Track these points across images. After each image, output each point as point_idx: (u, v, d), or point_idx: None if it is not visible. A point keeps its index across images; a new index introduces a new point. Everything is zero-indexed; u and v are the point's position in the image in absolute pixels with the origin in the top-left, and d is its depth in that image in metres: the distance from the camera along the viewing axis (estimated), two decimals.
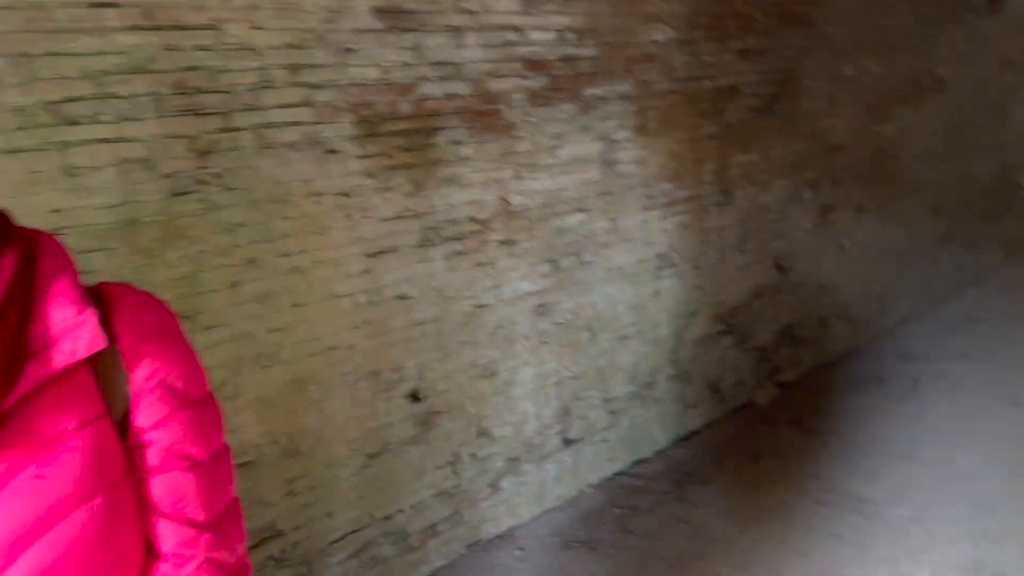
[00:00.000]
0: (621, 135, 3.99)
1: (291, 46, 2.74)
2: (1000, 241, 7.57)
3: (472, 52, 3.30)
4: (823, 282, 5.49)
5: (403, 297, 3.19)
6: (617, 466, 4.26)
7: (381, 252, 3.09)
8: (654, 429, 4.47)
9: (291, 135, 2.77)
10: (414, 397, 3.28)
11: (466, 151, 3.33)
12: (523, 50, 3.48)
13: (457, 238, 3.36)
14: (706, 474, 4.22)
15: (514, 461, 3.74)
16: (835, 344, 5.71)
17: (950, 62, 6.30)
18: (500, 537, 3.69)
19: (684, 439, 4.63)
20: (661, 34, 4.08)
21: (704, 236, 4.55)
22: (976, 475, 3.99)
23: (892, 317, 6.26)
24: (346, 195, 2.95)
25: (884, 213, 5.93)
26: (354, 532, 3.14)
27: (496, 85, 3.42)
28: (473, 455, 3.56)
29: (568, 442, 3.99)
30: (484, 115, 3.38)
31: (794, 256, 5.21)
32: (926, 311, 6.55)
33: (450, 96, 3.25)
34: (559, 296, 3.83)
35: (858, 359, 5.67)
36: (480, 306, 3.49)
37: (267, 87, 2.69)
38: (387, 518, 3.25)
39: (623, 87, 3.95)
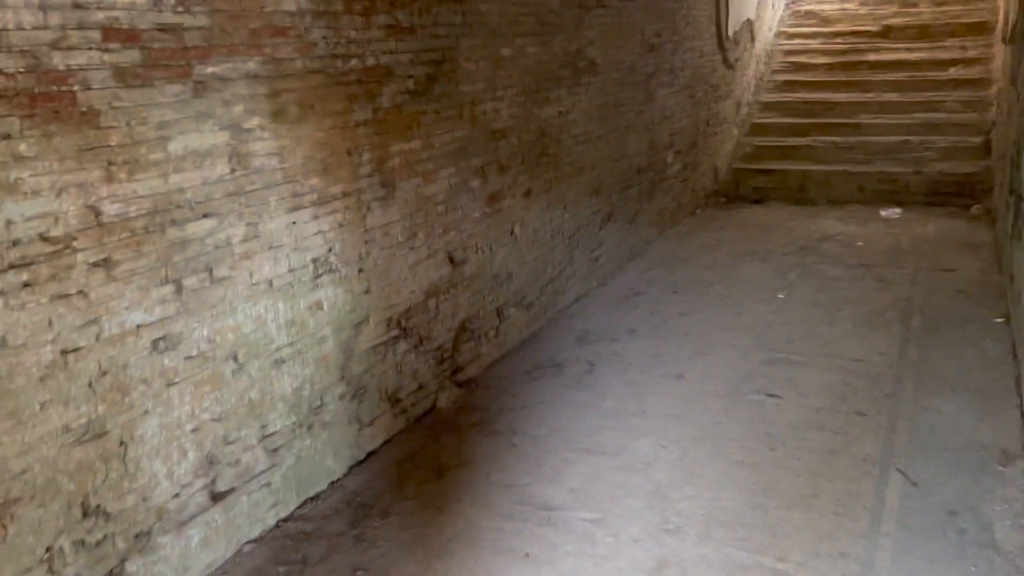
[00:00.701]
0: (253, 123, 3.33)
1: None
2: (653, 216, 8.09)
3: (19, 15, 2.45)
4: (497, 272, 5.31)
5: None
6: (284, 511, 3.65)
7: None
8: (327, 458, 3.93)
9: None
10: None
11: (23, 148, 2.48)
12: (100, 15, 2.68)
13: (21, 265, 2.50)
14: (387, 502, 3.78)
15: (143, 536, 2.98)
16: (514, 333, 5.59)
17: (600, 45, 6.46)
18: None
19: (363, 462, 4.15)
20: (292, 2, 3.48)
21: (367, 235, 4.06)
22: (651, 462, 4.01)
23: (566, 298, 6.34)
24: None
25: (551, 197, 5.92)
26: None
27: (64, 60, 2.59)
28: (79, 543, 2.74)
29: (217, 496, 3.30)
30: (48, 99, 2.54)
31: (467, 248, 4.94)
32: (595, 289, 6.74)
33: None
34: (188, 323, 3.11)
35: (537, 345, 5.61)
36: (69, 351, 2.66)
37: None
38: None
39: (250, 65, 3.29)
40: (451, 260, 4.79)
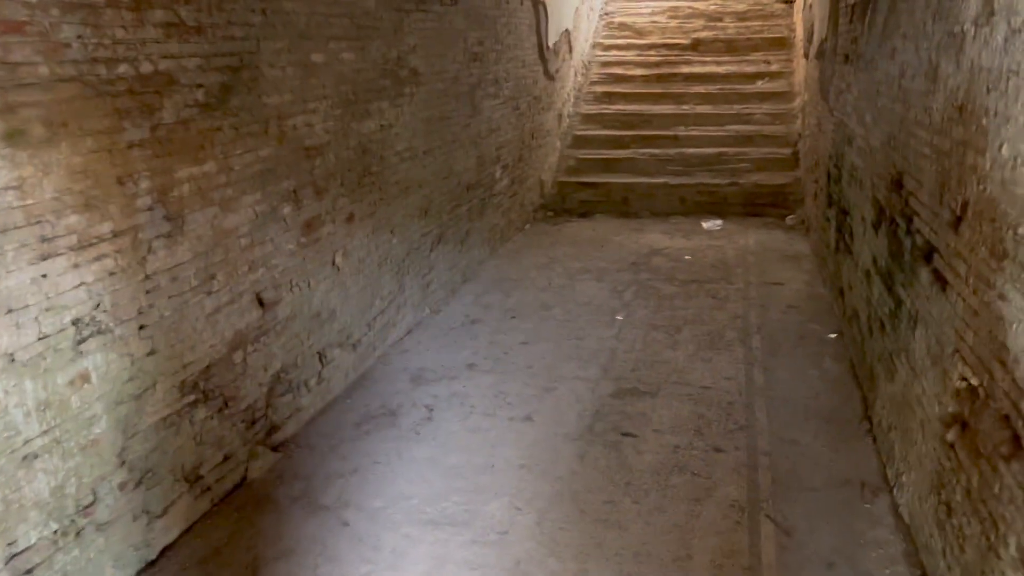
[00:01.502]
0: None
1: None
2: (484, 234, 7.66)
3: None
4: (318, 310, 4.62)
5: None
6: None
7: None
8: (105, 568, 3.10)
9: None
10: None
11: None
12: None
13: None
14: None
15: None
16: (340, 377, 4.92)
17: (423, 53, 5.92)
18: None
19: (155, 562, 3.34)
20: None
21: (149, 282, 3.26)
22: (507, 530, 3.51)
23: (398, 331, 5.73)
24: None
25: (377, 221, 5.29)
26: None
27: None
28: None
29: None
30: None
31: (279, 286, 4.22)
32: (429, 318, 6.18)
33: None
34: None
35: (368, 389, 4.96)
36: None
37: None
38: None
39: None
40: (260, 302, 4.05)
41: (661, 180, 9.70)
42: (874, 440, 4.14)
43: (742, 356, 5.32)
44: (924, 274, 3.35)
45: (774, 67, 11.06)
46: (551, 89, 9.78)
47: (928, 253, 3.33)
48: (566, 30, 10.28)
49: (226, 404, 3.81)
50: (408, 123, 5.73)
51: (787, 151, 9.75)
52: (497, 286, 6.98)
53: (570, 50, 10.63)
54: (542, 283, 7.03)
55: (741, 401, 4.67)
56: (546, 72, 9.48)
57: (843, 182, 5.99)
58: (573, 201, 9.87)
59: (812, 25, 8.87)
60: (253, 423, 4.07)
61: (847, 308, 5.47)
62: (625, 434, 4.32)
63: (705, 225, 8.96)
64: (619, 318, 6.11)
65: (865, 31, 5.09)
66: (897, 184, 3.96)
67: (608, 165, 10.06)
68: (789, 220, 8.86)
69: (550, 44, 9.52)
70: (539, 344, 5.63)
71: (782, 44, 11.43)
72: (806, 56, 9.51)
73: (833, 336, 5.57)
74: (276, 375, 4.22)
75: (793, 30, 11.56)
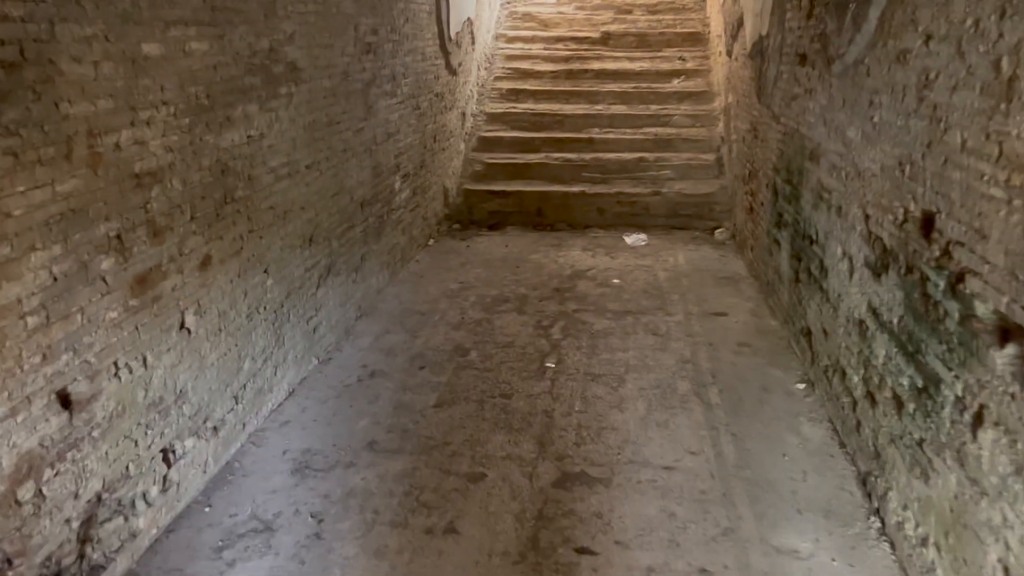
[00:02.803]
0: None
1: None
2: (383, 257, 6.50)
3: None
4: (159, 394, 3.39)
5: None
6: None
7: None
8: None
9: None
10: None
11: None
12: None
13: None
14: None
15: None
16: (193, 478, 3.70)
17: (304, 43, 4.71)
18: None
19: None
20: None
21: None
22: None
23: (276, 396, 4.53)
24: None
25: (246, 260, 4.08)
26: None
27: None
28: None
29: None
30: None
31: (96, 373, 2.97)
32: (317, 372, 4.99)
33: None
34: None
35: (233, 491, 3.76)
36: None
37: None
38: None
39: None
40: (65, 402, 2.80)
41: (577, 188, 8.76)
42: (893, 548, 3.29)
43: (703, 418, 4.41)
44: (999, 361, 2.47)
45: (690, 64, 10.32)
46: (454, 85, 8.68)
47: (1005, 332, 2.46)
48: (468, 19, 9.18)
49: (8, 564, 2.55)
50: (286, 131, 4.52)
51: (710, 157, 9.01)
52: (400, 322, 5.85)
53: (473, 41, 9.55)
54: (454, 317, 5.95)
55: (716, 490, 3.74)
56: (448, 66, 8.37)
57: (802, 202, 5.18)
58: (482, 211, 8.80)
59: (738, 20, 8.12)
60: (63, 563, 2.83)
61: (818, 355, 4.66)
62: (581, 550, 3.31)
63: (628, 240, 8.08)
64: (550, 365, 5.10)
65: (845, 28, 4.25)
66: (925, 226, 3.10)
67: (518, 171, 9.04)
68: (719, 235, 8.10)
69: (452, 34, 8.41)
70: (457, 406, 4.55)
71: (697, 40, 10.72)
72: (729, 54, 8.78)
73: (801, 387, 4.75)
74: (96, 498, 2.98)
75: (707, 25, 10.88)
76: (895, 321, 3.39)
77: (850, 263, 4.08)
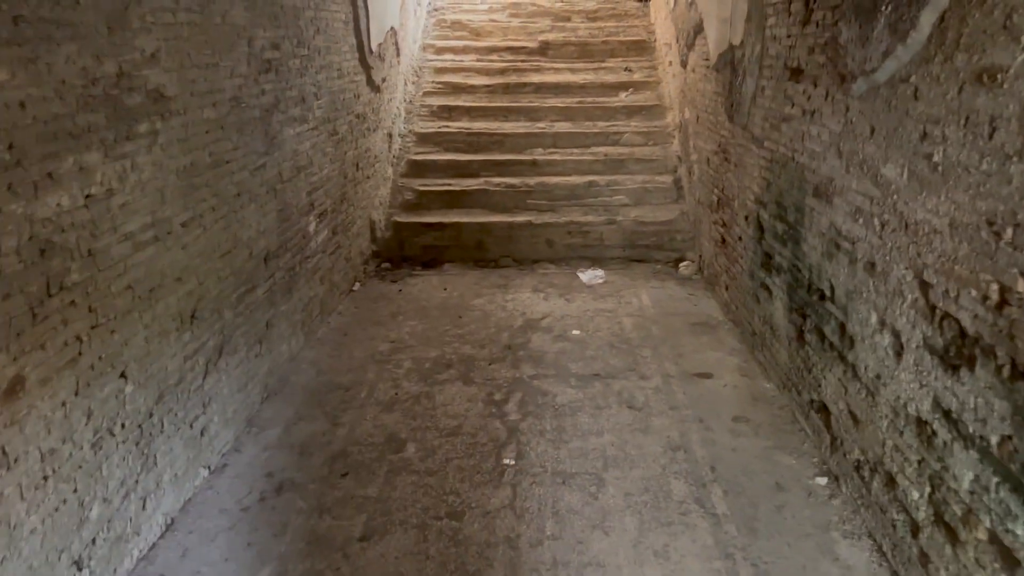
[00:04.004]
0: None
1: None
2: (297, 316, 5.37)
3: None
4: None
5: None
6: None
7: None
8: None
9: None
10: None
11: None
12: None
13: None
14: None
15: None
16: None
17: (173, 62, 3.58)
18: None
19: None
20: None
21: None
22: None
23: (145, 539, 3.37)
24: None
25: (84, 370, 2.92)
26: None
27: None
28: None
29: None
30: None
31: None
32: (204, 490, 3.84)
33: None
34: None
35: None
36: None
37: None
38: None
39: None
40: None
41: (523, 218, 7.75)
42: None
43: (711, 538, 3.43)
44: None
45: (637, 76, 9.46)
46: (378, 103, 7.58)
47: None
48: (392, 29, 8.10)
49: None
50: (149, 182, 3.38)
51: (667, 179, 8.12)
52: (318, 401, 4.73)
53: (398, 53, 8.47)
54: (385, 392, 4.86)
55: None
56: (370, 82, 7.27)
57: (804, 246, 4.28)
58: (415, 247, 7.71)
59: (695, 26, 7.26)
60: None
61: (842, 442, 3.74)
62: None
63: (583, 277, 7.12)
64: (508, 462, 4.07)
65: (876, 37, 3.34)
66: None
67: (455, 199, 7.99)
68: (684, 269, 7.20)
69: (374, 47, 7.32)
70: (391, 537, 3.47)
71: (643, 49, 9.87)
72: (683, 64, 7.92)
73: (823, 483, 3.83)
74: None
75: (652, 32, 10.05)
76: (993, 441, 2.47)
77: (896, 340, 3.17)
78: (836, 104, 3.83)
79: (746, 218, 5.53)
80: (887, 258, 3.26)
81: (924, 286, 2.94)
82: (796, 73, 4.46)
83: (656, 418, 4.50)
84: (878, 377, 3.34)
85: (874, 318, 3.39)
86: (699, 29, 7.10)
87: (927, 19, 2.89)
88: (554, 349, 5.52)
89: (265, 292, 4.78)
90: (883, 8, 3.25)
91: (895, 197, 3.18)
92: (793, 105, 4.50)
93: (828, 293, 3.94)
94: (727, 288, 6.14)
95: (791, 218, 4.53)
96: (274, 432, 4.39)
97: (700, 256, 7.18)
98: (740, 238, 5.71)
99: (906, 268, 3.08)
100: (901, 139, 3.12)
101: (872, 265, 3.40)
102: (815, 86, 4.14)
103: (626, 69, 9.56)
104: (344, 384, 4.98)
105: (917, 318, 2.99)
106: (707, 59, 6.78)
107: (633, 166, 8.28)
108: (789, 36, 4.58)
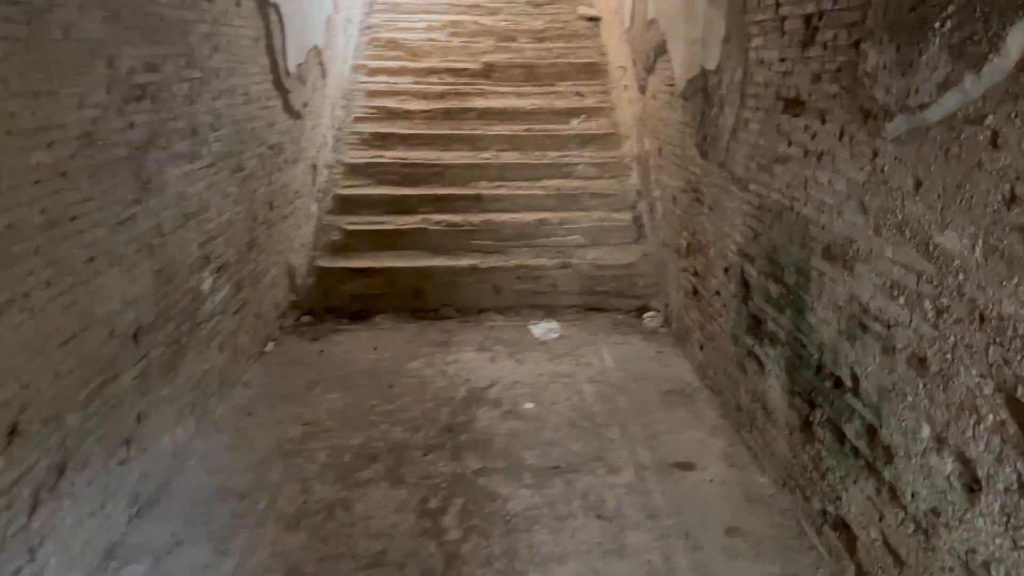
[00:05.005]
0: None
1: None
2: (184, 397, 4.35)
3: None
4: None
5: None
6: None
7: None
8: None
9: None
10: None
11: None
12: None
13: None
14: None
15: None
16: None
17: None
18: None
19: None
20: None
21: None
22: None
23: None
24: None
25: None
26: None
27: None
28: None
29: None
30: None
31: None
32: None
33: None
34: None
35: None
36: None
37: None
38: None
39: None
40: None
41: (467, 261, 6.84)
42: None
43: None
44: None
45: (589, 101, 8.66)
46: (298, 132, 6.61)
47: None
48: (315, 47, 7.15)
49: None
50: None
51: (626, 216, 7.31)
52: (203, 516, 3.71)
53: (324, 75, 7.51)
54: (291, 500, 3.86)
55: None
56: (288, 107, 6.30)
57: (810, 317, 3.45)
58: (341, 295, 6.73)
59: (655, 48, 6.49)
60: None
61: (871, 571, 2.90)
62: None
63: (536, 331, 6.23)
64: None
65: (925, 63, 2.52)
66: None
67: (389, 240, 7.04)
68: (649, 320, 6.36)
69: (292, 67, 6.35)
70: None
71: (594, 72, 9.09)
72: (642, 90, 7.15)
73: None
74: None
75: (604, 54, 9.29)
76: None
77: (966, 470, 2.33)
78: (857, 146, 3.02)
79: (726, 270, 4.72)
80: (947, 356, 2.43)
81: (1017, 407, 2.11)
82: (794, 104, 3.66)
83: (632, 532, 3.60)
84: (935, 513, 2.50)
85: (926, 431, 2.55)
86: (661, 51, 6.33)
87: (1018, 40, 2.08)
88: (504, 430, 4.60)
89: (136, 378, 3.76)
90: (938, 25, 2.44)
91: (960, 277, 2.36)
92: (790, 143, 3.69)
93: (849, 383, 3.11)
94: (702, 347, 5.31)
95: (790, 280, 3.71)
96: (139, 569, 3.36)
97: (667, 306, 6.35)
98: (718, 292, 4.90)
99: (981, 376, 2.25)
100: (970, 200, 2.30)
101: (922, 361, 2.58)
102: (823, 122, 3.34)
103: (577, 94, 8.76)
104: (240, 489, 3.97)
105: (1005, 450, 2.16)
106: (671, 84, 5.99)
107: (588, 201, 7.45)
108: (783, 60, 3.78)
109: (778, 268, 3.86)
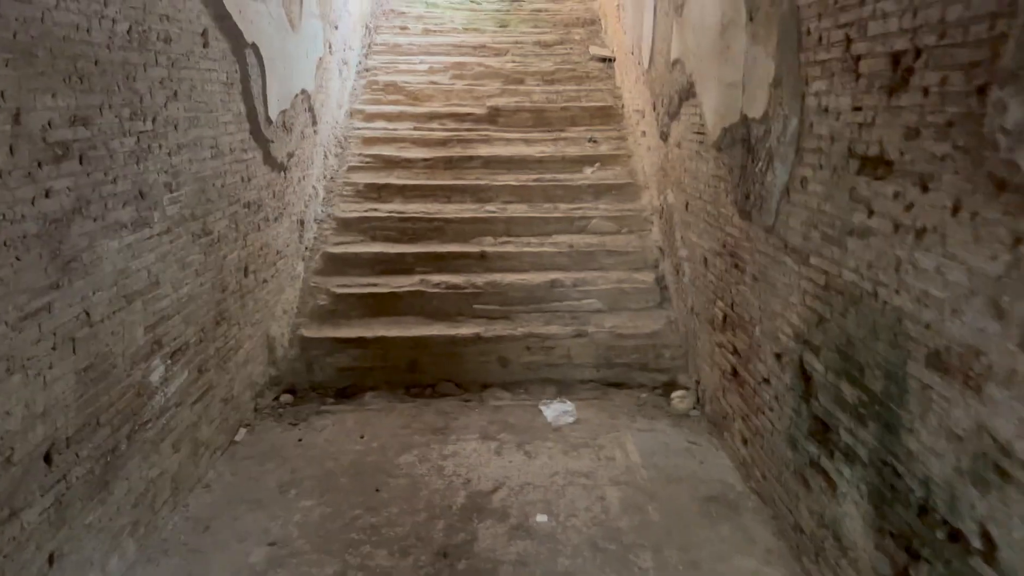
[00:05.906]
0: None
1: None
2: (123, 519, 3.55)
3: None
4: None
5: None
6: None
7: None
8: None
9: None
10: None
11: None
12: None
13: None
14: None
15: None
16: None
17: None
18: None
19: None
20: None
21: None
22: None
23: None
24: None
25: None
26: None
27: None
28: None
29: None
30: None
31: None
32: None
33: None
34: None
35: None
36: None
37: None
38: None
39: None
40: None
41: (469, 330, 6.06)
42: None
43: None
44: None
45: (604, 148, 7.97)
46: (282, 185, 5.90)
47: None
48: (303, 91, 6.47)
49: None
50: None
51: (648, 277, 6.54)
52: None
53: (314, 121, 6.84)
54: None
55: None
56: (270, 159, 5.60)
57: (911, 441, 2.65)
58: (327, 370, 5.94)
59: (681, 91, 5.77)
60: None
61: None
62: None
63: (548, 413, 5.42)
64: None
65: None
66: None
67: (383, 304, 6.27)
68: (678, 401, 5.53)
69: (274, 114, 5.66)
70: None
71: (608, 116, 8.41)
72: (664, 137, 6.43)
73: None
74: None
75: (619, 97, 8.62)
76: None
77: None
78: (985, 227, 2.25)
79: (778, 356, 3.92)
80: None
81: None
82: (875, 164, 2.89)
83: None
84: None
85: None
86: (687, 95, 5.61)
87: None
88: (511, 555, 3.77)
89: (46, 510, 2.97)
90: None
91: None
92: (871, 213, 2.92)
93: (977, 544, 2.30)
94: (745, 442, 4.49)
95: (874, 386, 2.91)
96: None
97: (698, 383, 5.54)
98: (767, 380, 4.09)
99: None
100: None
101: None
102: (924, 190, 2.57)
103: (591, 140, 8.05)
104: None
105: None
106: (701, 132, 5.26)
107: (605, 259, 6.68)
108: (858, 109, 3.03)
109: (855, 367, 3.06)
